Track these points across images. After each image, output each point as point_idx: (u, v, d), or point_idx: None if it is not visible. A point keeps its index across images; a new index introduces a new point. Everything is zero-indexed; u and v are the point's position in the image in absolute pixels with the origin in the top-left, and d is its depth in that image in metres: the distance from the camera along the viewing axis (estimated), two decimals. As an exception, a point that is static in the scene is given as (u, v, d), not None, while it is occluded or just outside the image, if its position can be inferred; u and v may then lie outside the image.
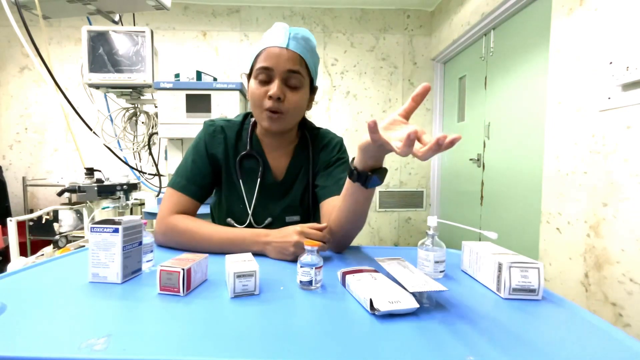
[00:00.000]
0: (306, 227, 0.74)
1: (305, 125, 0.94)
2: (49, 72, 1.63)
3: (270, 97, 0.77)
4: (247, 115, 0.93)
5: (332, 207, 0.82)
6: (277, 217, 0.90)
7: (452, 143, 0.47)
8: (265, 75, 0.77)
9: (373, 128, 0.53)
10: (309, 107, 0.87)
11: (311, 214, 0.93)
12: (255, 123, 0.90)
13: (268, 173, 0.89)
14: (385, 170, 0.67)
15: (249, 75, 0.83)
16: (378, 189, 3.33)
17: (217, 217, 0.98)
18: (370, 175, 0.65)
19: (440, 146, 0.47)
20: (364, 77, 3.25)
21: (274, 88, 0.76)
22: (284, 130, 0.84)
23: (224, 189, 0.91)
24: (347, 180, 0.71)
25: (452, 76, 3.05)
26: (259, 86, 0.78)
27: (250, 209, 0.88)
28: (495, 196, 2.33)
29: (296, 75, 0.77)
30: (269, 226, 0.89)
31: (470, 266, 0.68)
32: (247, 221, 0.89)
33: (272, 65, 0.76)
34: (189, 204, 0.85)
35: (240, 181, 0.88)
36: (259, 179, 0.87)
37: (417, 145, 0.51)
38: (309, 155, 0.91)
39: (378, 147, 0.58)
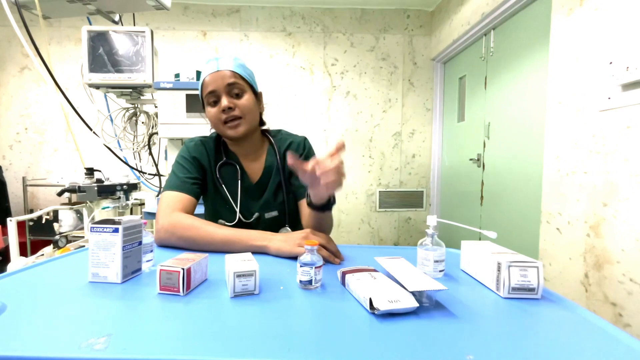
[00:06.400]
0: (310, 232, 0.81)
1: (268, 132, 1.06)
2: (49, 72, 1.63)
3: (223, 111, 0.89)
4: (218, 135, 1.03)
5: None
6: (258, 213, 1.00)
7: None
8: (214, 97, 0.90)
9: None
10: (261, 109, 1.00)
11: (286, 208, 1.02)
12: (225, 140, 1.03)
13: (245, 177, 1.00)
14: (332, 202, 0.81)
15: (203, 107, 0.95)
16: (378, 189, 3.33)
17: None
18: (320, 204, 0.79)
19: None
20: (364, 77, 3.25)
21: (223, 102, 0.89)
22: (247, 132, 0.94)
23: (210, 195, 1.01)
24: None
25: (452, 76, 3.05)
26: (212, 107, 0.92)
27: (237, 207, 0.97)
28: (495, 196, 2.33)
29: (235, 85, 0.90)
30: (256, 221, 1.00)
31: (470, 265, 0.68)
32: (236, 218, 0.97)
33: (215, 87, 0.89)
34: (186, 200, 0.91)
35: (223, 186, 0.98)
36: (239, 182, 0.98)
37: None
38: (276, 156, 1.02)
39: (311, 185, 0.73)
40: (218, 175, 0.99)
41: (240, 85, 0.91)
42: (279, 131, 1.08)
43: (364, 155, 3.30)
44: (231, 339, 0.42)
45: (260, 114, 1.01)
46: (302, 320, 0.48)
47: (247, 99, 0.92)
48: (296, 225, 1.03)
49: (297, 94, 3.22)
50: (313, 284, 0.58)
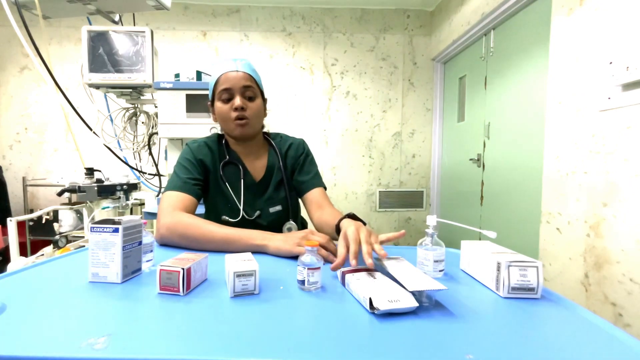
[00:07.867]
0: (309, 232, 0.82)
1: (268, 134, 1.12)
2: (49, 72, 1.63)
3: (235, 109, 0.94)
4: (220, 136, 1.08)
5: (316, 198, 1.02)
6: (262, 209, 1.04)
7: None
8: (227, 94, 0.95)
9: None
10: (265, 114, 1.05)
11: (289, 203, 1.07)
12: (227, 141, 1.06)
13: (248, 175, 1.03)
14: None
15: (212, 102, 1.00)
16: (378, 189, 3.33)
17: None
18: None
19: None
20: (364, 77, 3.25)
21: (237, 101, 0.94)
22: (252, 133, 1.00)
23: (212, 193, 1.03)
24: None
25: (452, 76, 3.05)
26: (224, 104, 0.96)
27: (241, 205, 1.00)
28: (495, 196, 2.33)
29: (250, 88, 0.96)
30: (259, 218, 1.03)
31: (470, 265, 0.68)
32: (240, 216, 0.99)
33: (231, 86, 0.94)
34: (188, 200, 0.92)
35: (227, 184, 1.01)
36: (242, 181, 1.01)
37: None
38: (277, 156, 1.07)
39: None
40: (222, 174, 1.01)
41: (254, 89, 0.97)
42: (278, 134, 1.14)
43: (364, 155, 3.30)
44: (231, 339, 0.42)
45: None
46: (302, 320, 0.48)
47: (257, 103, 0.98)
48: (297, 218, 1.09)
49: (297, 94, 3.22)
50: (313, 284, 0.58)
